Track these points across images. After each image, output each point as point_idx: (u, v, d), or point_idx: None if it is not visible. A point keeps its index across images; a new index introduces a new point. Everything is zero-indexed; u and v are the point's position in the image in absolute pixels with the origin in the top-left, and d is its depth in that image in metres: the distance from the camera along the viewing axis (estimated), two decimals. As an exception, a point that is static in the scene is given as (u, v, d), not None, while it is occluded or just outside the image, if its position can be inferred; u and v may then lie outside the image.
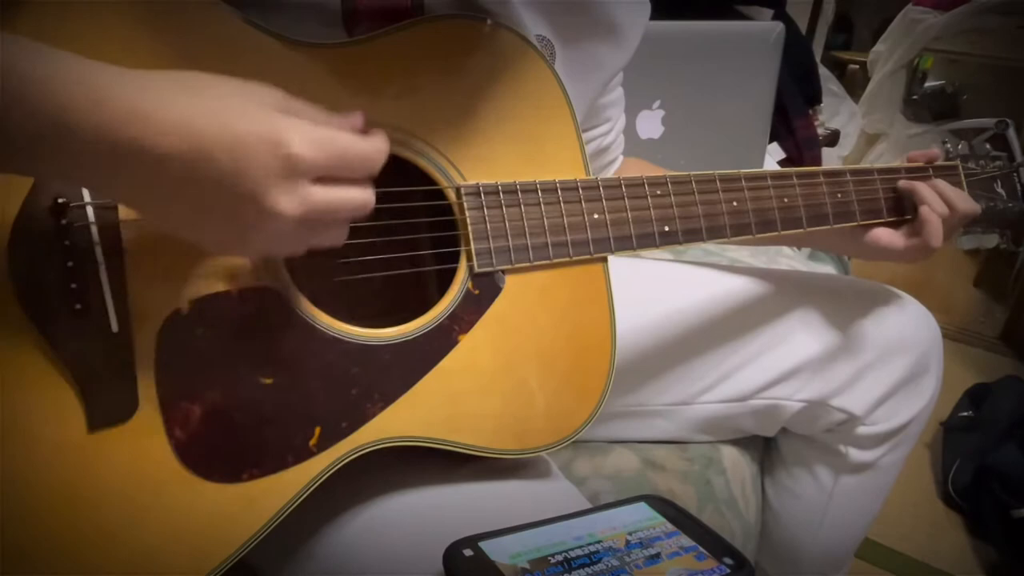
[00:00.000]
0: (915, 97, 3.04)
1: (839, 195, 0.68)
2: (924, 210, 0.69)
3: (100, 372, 0.43)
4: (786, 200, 0.65)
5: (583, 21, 0.65)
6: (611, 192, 0.58)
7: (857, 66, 3.40)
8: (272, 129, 0.37)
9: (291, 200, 0.38)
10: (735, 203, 0.63)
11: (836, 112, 2.45)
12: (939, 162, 0.75)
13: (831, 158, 2.06)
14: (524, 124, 0.57)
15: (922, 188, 0.69)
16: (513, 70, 0.56)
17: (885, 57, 2.98)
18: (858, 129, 2.68)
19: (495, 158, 0.55)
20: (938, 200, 0.69)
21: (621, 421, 0.79)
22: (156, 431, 0.45)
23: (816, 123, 1.78)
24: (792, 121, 1.59)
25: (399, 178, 0.53)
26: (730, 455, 0.81)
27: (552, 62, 0.64)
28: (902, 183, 0.71)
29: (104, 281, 0.43)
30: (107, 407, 0.44)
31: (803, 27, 2.45)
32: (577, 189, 0.57)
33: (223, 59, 0.46)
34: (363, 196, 0.41)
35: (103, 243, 0.43)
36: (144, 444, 0.45)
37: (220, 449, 0.46)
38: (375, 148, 0.41)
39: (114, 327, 0.43)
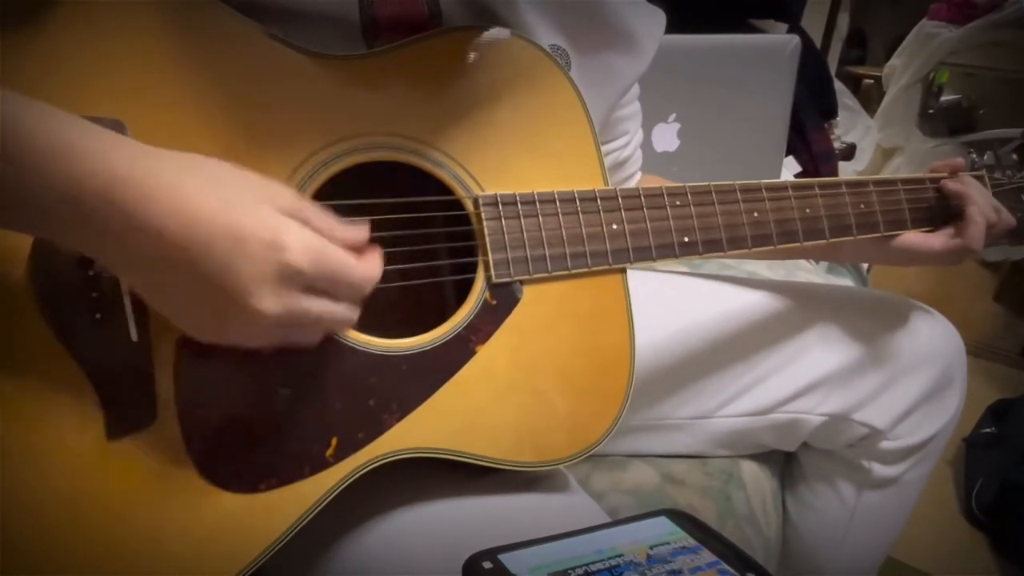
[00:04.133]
0: (931, 111, 3.02)
1: (862, 205, 0.67)
2: (972, 210, 0.68)
3: (119, 381, 0.43)
4: (808, 211, 0.64)
5: (598, 31, 0.65)
6: (630, 202, 0.58)
7: (872, 81, 3.39)
8: (274, 231, 0.38)
9: (275, 303, 0.38)
10: (756, 213, 0.62)
11: (852, 126, 2.44)
12: (964, 173, 0.74)
13: (847, 172, 2.04)
14: (542, 133, 0.56)
15: (972, 189, 0.69)
16: (530, 79, 0.56)
17: (900, 71, 2.97)
18: (874, 143, 2.67)
19: (513, 168, 0.55)
20: (988, 203, 0.68)
21: (640, 435, 0.78)
22: (174, 440, 0.45)
23: (832, 137, 1.77)
24: (808, 135, 1.59)
25: (417, 188, 0.53)
26: (750, 470, 0.80)
27: (568, 71, 0.64)
28: (949, 184, 0.70)
29: (124, 290, 0.43)
30: (126, 416, 0.43)
31: (817, 43, 2.45)
32: (596, 199, 0.57)
33: (246, 73, 0.47)
34: (346, 315, 0.43)
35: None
36: (162, 453, 0.44)
37: (238, 459, 0.46)
38: (369, 274, 0.43)
39: (134, 336, 0.43)
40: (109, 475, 0.43)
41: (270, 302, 0.38)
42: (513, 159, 0.55)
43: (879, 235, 0.69)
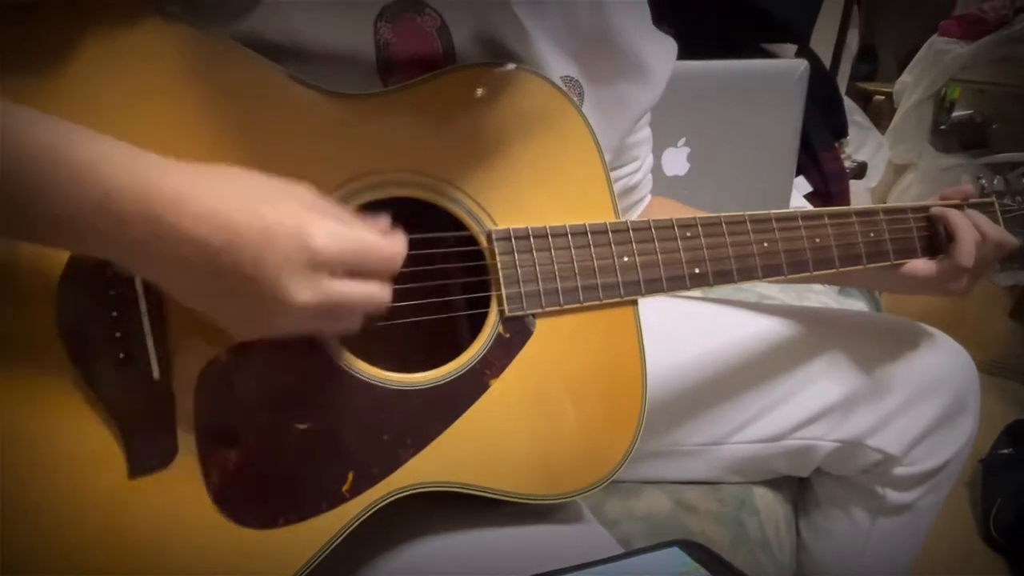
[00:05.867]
0: (943, 127, 3.02)
1: (872, 234, 0.68)
2: (957, 231, 0.68)
3: (141, 419, 0.44)
4: (818, 240, 0.65)
5: (611, 62, 0.66)
6: (641, 235, 0.58)
7: (883, 97, 3.39)
8: (299, 223, 0.40)
9: (309, 292, 0.40)
10: (766, 244, 0.63)
11: (863, 143, 2.44)
12: (974, 199, 0.74)
13: (859, 190, 2.04)
14: (553, 167, 0.57)
15: (954, 213, 0.69)
16: (542, 114, 0.57)
17: (911, 88, 2.97)
18: (885, 160, 2.66)
19: (525, 202, 0.56)
20: (970, 225, 0.69)
21: (653, 461, 0.78)
22: (194, 477, 0.45)
23: (842, 156, 1.77)
24: (819, 155, 1.59)
25: (432, 224, 0.54)
26: (763, 496, 0.79)
27: (581, 101, 0.65)
28: (935, 210, 0.71)
29: (147, 330, 0.44)
30: (148, 454, 0.44)
31: (827, 58, 2.46)
32: (607, 232, 0.57)
33: (264, 111, 0.48)
34: (380, 293, 0.43)
35: (146, 293, 0.44)
36: (182, 490, 0.45)
37: (256, 495, 0.47)
38: (395, 249, 0.44)
39: (156, 375, 0.44)
40: (131, 512, 0.44)
41: (303, 291, 0.40)
42: (526, 193, 0.56)
43: (888, 264, 0.69)
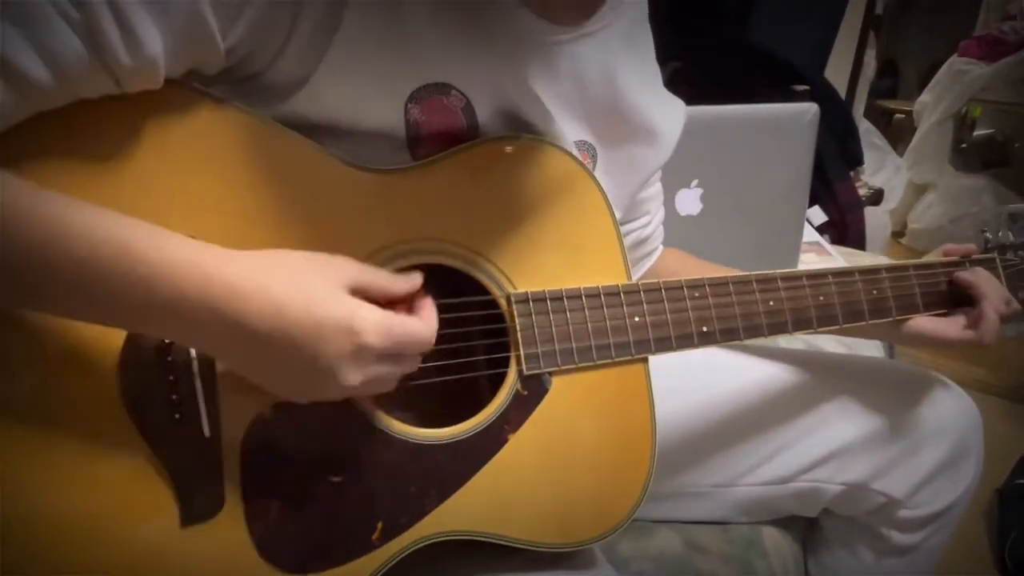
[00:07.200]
0: (964, 146, 3.01)
1: (875, 292, 0.71)
2: (986, 306, 0.71)
3: (193, 473, 0.49)
4: (822, 298, 0.68)
5: (622, 127, 0.69)
6: (651, 295, 0.62)
7: (903, 115, 3.39)
8: (348, 318, 0.45)
9: (359, 375, 0.46)
10: (771, 303, 0.66)
11: (880, 166, 2.45)
12: (976, 255, 0.77)
13: (876, 215, 2.06)
14: (569, 231, 0.61)
15: (983, 281, 0.72)
16: (559, 182, 0.61)
17: (931, 107, 2.97)
18: (904, 182, 2.67)
19: (543, 265, 0.60)
20: (999, 297, 0.71)
21: (665, 502, 0.81)
22: (239, 526, 0.50)
23: (858, 183, 1.79)
24: (833, 185, 1.61)
25: (457, 285, 0.58)
26: (771, 536, 0.82)
27: (594, 163, 0.69)
28: (961, 276, 0.73)
29: (199, 392, 0.49)
30: (198, 505, 0.49)
31: (846, 75, 2.46)
32: (619, 294, 0.61)
33: (308, 186, 0.52)
34: (412, 366, 0.50)
35: (199, 359, 0.49)
36: (228, 538, 0.50)
37: (295, 541, 0.51)
38: (429, 334, 0.50)
39: (207, 432, 0.49)
40: (182, 558, 0.49)
41: (352, 375, 0.46)
42: (543, 257, 0.60)
43: (890, 320, 0.72)
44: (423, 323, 0.50)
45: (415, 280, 0.52)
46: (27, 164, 0.44)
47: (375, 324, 0.46)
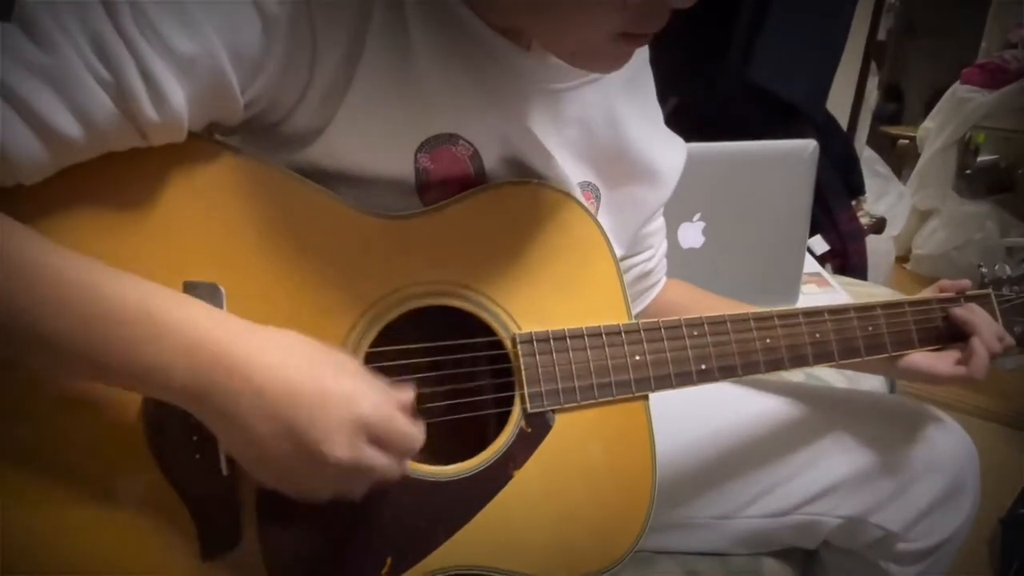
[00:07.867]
0: (968, 171, 3.03)
1: (870, 328, 0.73)
2: (976, 343, 0.73)
3: (212, 509, 0.51)
4: (818, 336, 0.70)
5: (624, 168, 0.72)
6: (651, 335, 0.64)
7: (907, 141, 3.42)
8: (352, 391, 0.47)
9: (346, 449, 0.46)
10: (768, 340, 0.68)
11: (883, 193, 2.47)
12: (970, 291, 0.79)
13: (879, 242, 2.08)
14: (571, 272, 0.64)
15: (978, 318, 0.74)
16: (562, 224, 0.63)
17: (935, 134, 2.99)
18: (907, 209, 2.69)
19: (546, 306, 0.62)
20: (992, 333, 0.73)
21: (666, 533, 0.82)
22: (255, 561, 0.52)
23: (860, 212, 1.82)
24: (835, 213, 1.64)
25: (462, 326, 0.60)
26: (771, 567, 0.84)
27: (598, 203, 0.72)
28: (956, 312, 0.75)
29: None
30: (217, 540, 0.51)
31: (849, 99, 2.48)
32: (620, 334, 0.63)
33: (321, 232, 0.55)
34: (396, 469, 0.49)
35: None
36: (245, 572, 0.52)
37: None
38: (417, 436, 0.50)
39: (224, 471, 0.51)
40: (200, 591, 0.51)
41: (342, 448, 0.46)
42: (547, 298, 0.62)
43: (886, 356, 0.74)
44: (415, 428, 0.50)
45: (409, 393, 0.51)
46: (54, 215, 0.47)
47: (375, 401, 0.48)
